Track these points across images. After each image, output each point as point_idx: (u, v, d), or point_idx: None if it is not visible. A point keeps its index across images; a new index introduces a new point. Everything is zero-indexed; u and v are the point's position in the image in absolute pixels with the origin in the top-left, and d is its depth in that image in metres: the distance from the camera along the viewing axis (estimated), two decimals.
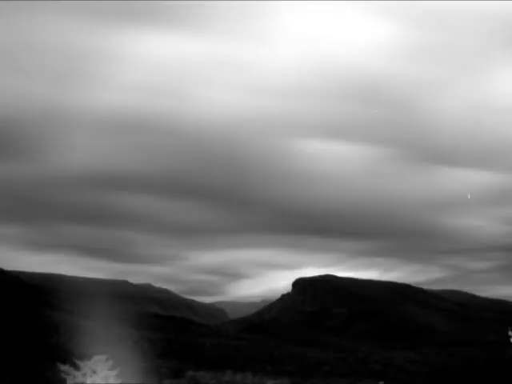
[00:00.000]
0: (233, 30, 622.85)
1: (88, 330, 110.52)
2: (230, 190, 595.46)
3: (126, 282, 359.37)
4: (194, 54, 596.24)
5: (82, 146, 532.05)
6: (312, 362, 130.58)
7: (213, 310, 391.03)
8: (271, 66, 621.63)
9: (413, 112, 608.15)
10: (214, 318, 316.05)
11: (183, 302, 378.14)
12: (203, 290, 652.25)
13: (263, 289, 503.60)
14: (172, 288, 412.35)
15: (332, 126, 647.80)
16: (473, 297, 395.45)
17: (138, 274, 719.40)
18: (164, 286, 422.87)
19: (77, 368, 40.95)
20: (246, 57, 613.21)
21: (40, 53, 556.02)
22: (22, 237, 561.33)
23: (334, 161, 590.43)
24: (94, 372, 40.63)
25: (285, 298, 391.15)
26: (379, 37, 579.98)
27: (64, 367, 41.37)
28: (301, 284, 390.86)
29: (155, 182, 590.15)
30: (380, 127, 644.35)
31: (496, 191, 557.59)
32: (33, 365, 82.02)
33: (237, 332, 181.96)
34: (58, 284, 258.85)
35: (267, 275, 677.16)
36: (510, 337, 61.35)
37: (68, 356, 72.69)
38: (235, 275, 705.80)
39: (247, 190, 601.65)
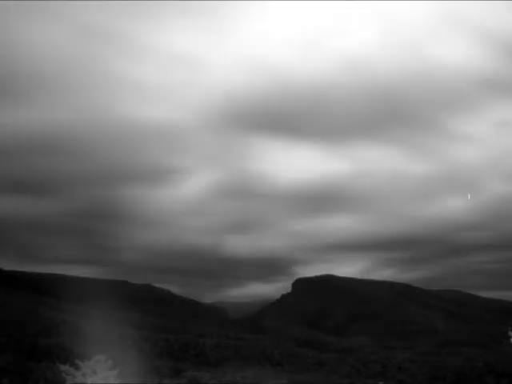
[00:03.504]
0: None
1: (88, 330, 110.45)
2: None
3: (126, 282, 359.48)
4: None
5: None
6: (312, 362, 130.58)
7: (213, 310, 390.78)
8: None
9: None
10: (214, 318, 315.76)
11: (183, 301, 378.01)
12: (204, 290, 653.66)
13: (263, 289, 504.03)
14: (172, 288, 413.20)
15: None
16: (473, 297, 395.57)
17: (138, 274, 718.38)
18: (164, 286, 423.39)
19: (77, 368, 40.80)
20: None
21: None
22: None
23: None
24: (94, 372, 40.50)
25: (285, 297, 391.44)
26: None
27: (64, 367, 41.19)
28: (301, 284, 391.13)
29: None
30: None
31: None
32: (33, 365, 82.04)
33: (237, 332, 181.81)
34: (58, 284, 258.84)
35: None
36: (510, 337, 61.21)
37: (68, 356, 72.71)
38: None
39: None
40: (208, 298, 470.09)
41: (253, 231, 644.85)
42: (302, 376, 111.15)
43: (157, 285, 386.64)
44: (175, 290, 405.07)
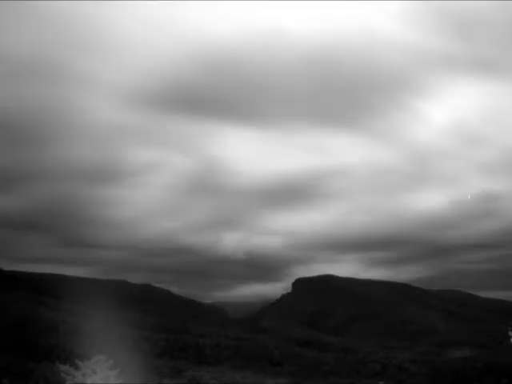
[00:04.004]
0: None
1: (88, 330, 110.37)
2: None
3: (125, 282, 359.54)
4: None
5: None
6: (312, 362, 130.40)
7: (213, 310, 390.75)
8: None
9: None
10: (214, 318, 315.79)
11: (183, 301, 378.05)
12: (204, 290, 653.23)
13: (263, 289, 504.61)
14: (172, 288, 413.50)
15: None
16: (473, 297, 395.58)
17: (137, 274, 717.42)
18: (164, 285, 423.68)
19: (77, 368, 40.74)
20: None
21: None
22: None
23: None
24: (94, 372, 40.45)
25: (285, 297, 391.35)
26: None
27: (64, 367, 41.10)
28: (301, 284, 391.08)
29: None
30: None
31: None
32: (33, 365, 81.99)
33: (237, 332, 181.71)
34: (58, 284, 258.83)
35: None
36: (510, 337, 61.24)
37: (68, 356, 72.66)
38: None
39: None
40: (208, 298, 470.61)
41: (240, 228, 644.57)
42: (302, 376, 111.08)
43: (157, 285, 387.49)
44: (175, 290, 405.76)
